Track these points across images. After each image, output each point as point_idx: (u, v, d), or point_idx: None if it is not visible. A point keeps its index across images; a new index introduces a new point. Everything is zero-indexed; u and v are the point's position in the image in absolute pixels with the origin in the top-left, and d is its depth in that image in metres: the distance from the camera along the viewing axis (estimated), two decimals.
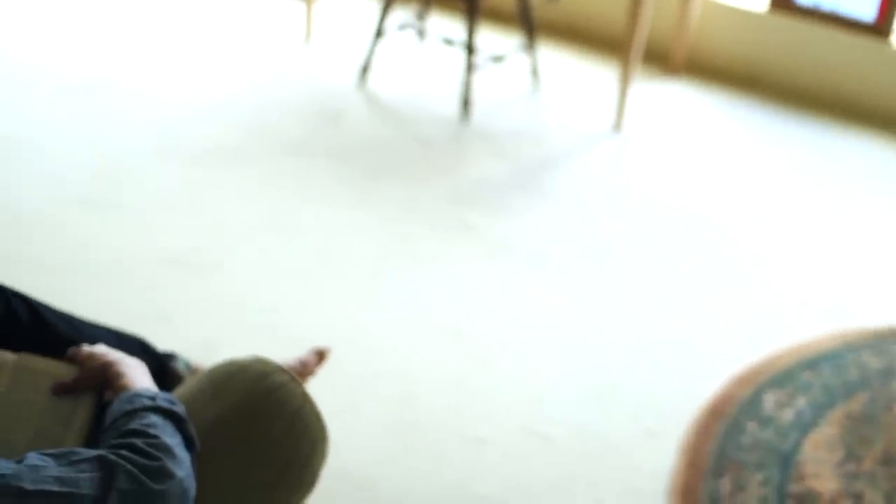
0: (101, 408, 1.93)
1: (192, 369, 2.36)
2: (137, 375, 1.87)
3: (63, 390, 1.92)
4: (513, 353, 3.47)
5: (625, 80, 4.98)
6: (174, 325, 3.41)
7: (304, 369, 2.54)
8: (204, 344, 3.31)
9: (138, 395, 1.78)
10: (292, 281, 3.72)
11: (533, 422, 3.18)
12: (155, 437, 1.67)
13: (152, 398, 1.77)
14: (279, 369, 1.90)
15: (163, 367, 2.28)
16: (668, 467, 3.05)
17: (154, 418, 1.72)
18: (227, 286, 3.67)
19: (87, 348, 1.95)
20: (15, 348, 1.98)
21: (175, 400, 1.79)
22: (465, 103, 4.99)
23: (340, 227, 4.07)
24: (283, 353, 3.28)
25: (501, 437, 3.12)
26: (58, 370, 1.95)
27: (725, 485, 2.98)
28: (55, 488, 1.54)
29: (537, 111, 5.24)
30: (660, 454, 3.11)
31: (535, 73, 5.40)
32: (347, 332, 3.47)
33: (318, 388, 2.71)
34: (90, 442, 1.90)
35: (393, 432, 3.10)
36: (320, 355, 2.58)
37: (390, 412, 3.17)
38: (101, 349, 1.94)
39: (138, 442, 1.65)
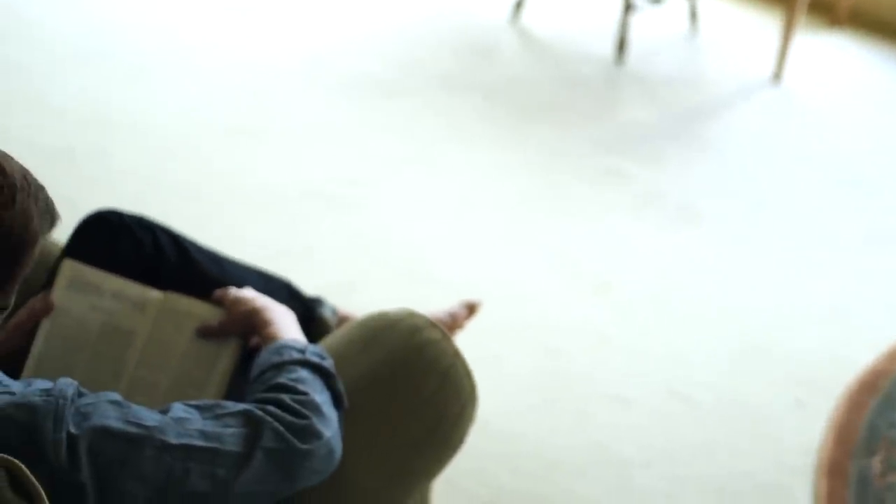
0: (246, 355, 1.87)
1: (338, 316, 2.30)
2: (286, 325, 1.81)
3: (208, 333, 1.87)
4: (660, 309, 3.36)
5: (788, 30, 4.78)
6: (316, 261, 3.37)
7: (454, 322, 2.45)
8: (345, 281, 3.26)
9: (287, 347, 1.71)
10: (437, 221, 3.65)
11: (678, 383, 3.08)
12: (304, 393, 1.61)
13: (301, 351, 1.70)
14: (431, 324, 1.83)
15: (309, 312, 2.22)
16: (816, 441, 2.93)
17: (303, 373, 1.65)
18: (371, 222, 3.61)
19: (234, 292, 1.89)
20: (160, 286, 1.93)
21: (325, 354, 1.72)
22: (621, 45, 4.84)
23: (487, 167, 3.98)
24: (425, 294, 3.24)
25: (645, 397, 3.03)
26: (203, 312, 1.90)
27: (876, 464, 2.85)
28: (199, 443, 1.49)
29: (694, 57, 5.07)
30: (808, 426, 2.98)
31: (693, 16, 5.22)
32: (491, 278, 3.39)
33: (459, 334, 2.64)
34: (232, 389, 1.85)
35: (534, 385, 3.02)
36: (470, 308, 2.49)
37: (533, 364, 3.09)
38: (250, 294, 1.89)
39: (286, 398, 1.59)
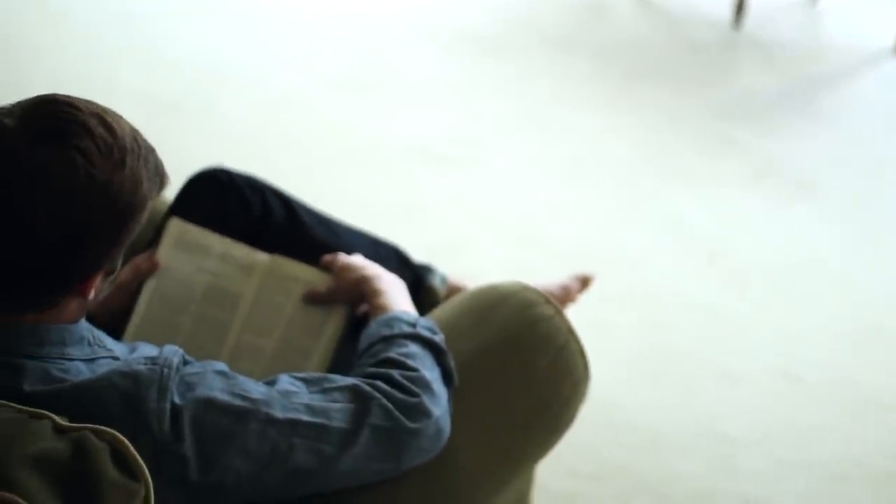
0: (353, 323, 1.82)
1: (448, 285, 2.24)
2: (397, 295, 1.75)
3: (315, 299, 1.82)
4: (772, 284, 3.26)
5: None
6: (420, 220, 3.32)
7: (566, 296, 2.38)
8: (449, 242, 3.21)
9: (397, 320, 1.65)
10: (544, 184, 3.58)
11: (788, 362, 2.99)
12: (414, 369, 1.55)
13: (412, 324, 1.64)
14: (545, 300, 1.76)
15: (419, 280, 2.16)
16: None
17: (413, 348, 1.60)
18: (477, 183, 3.55)
19: (344, 258, 1.84)
20: (267, 249, 1.88)
21: (436, 328, 1.66)
22: (739, 7, 4.72)
23: (597, 131, 3.89)
24: (530, 258, 3.19)
25: (753, 374, 2.94)
26: (311, 277, 1.85)
27: None
28: (305, 418, 1.44)
29: (815, 23, 4.93)
30: None
31: None
32: (598, 244, 3.32)
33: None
34: (338, 357, 1.80)
35: (639, 357, 2.95)
36: (583, 282, 2.42)
37: (637, 335, 3.02)
38: (360, 261, 1.83)
39: (395, 374, 1.54)
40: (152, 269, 1.82)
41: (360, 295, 1.79)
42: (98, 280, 1.36)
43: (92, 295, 1.37)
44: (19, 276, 1.29)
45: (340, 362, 1.78)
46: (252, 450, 1.40)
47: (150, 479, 1.15)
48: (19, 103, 1.31)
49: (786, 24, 4.85)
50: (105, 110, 1.32)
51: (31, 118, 1.27)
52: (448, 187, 3.51)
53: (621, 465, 2.65)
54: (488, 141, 3.77)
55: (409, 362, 1.56)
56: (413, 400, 1.52)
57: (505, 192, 3.52)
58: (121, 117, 1.33)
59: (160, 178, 1.37)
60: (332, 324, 1.82)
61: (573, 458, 2.60)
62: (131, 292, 1.82)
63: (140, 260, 1.83)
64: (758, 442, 2.75)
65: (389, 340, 1.61)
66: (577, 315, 2.16)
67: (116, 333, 1.78)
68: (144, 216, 1.35)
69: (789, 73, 4.46)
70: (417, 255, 2.38)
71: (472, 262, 3.12)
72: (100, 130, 1.28)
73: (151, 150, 1.35)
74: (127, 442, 1.15)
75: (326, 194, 2.93)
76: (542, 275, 2.96)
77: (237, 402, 1.40)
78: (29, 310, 1.33)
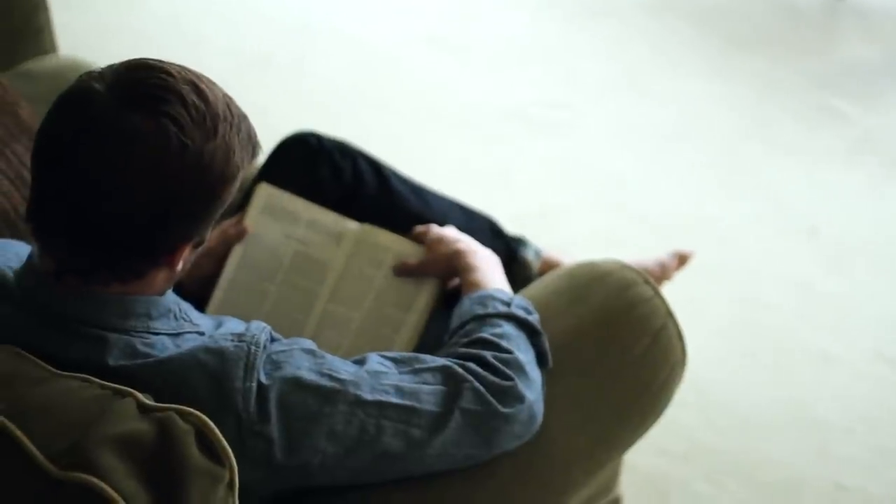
0: (445, 299, 1.77)
1: (541, 258, 2.18)
2: (491, 271, 1.69)
3: (406, 272, 1.77)
4: (872, 263, 3.16)
5: None
6: (512, 184, 3.26)
7: (663, 273, 2.32)
8: (540, 208, 3.16)
9: (492, 298, 1.59)
10: (638, 151, 3.50)
11: (887, 346, 2.89)
12: (508, 351, 1.49)
13: (507, 303, 1.58)
14: (644, 280, 1.69)
15: (512, 253, 2.11)
16: None
17: (508, 328, 1.54)
18: (570, 147, 3.47)
19: (436, 230, 1.78)
20: (357, 216, 1.83)
21: (531, 307, 1.60)
22: None
23: (694, 100, 3.80)
24: (622, 228, 3.13)
25: (850, 357, 2.85)
26: (402, 248, 1.80)
27: None
28: (394, 400, 1.38)
29: None
30: None
31: None
32: (692, 215, 3.24)
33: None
34: (427, 333, 1.74)
35: (732, 333, 2.87)
36: (681, 259, 2.35)
37: (731, 311, 2.94)
38: (453, 234, 1.77)
39: (488, 355, 1.48)
40: (240, 235, 1.78)
41: (452, 269, 1.73)
42: (187, 251, 1.31)
43: (180, 266, 1.32)
44: (107, 246, 1.24)
45: (430, 337, 1.73)
46: (339, 432, 1.35)
47: (234, 464, 1.11)
48: (110, 67, 1.26)
49: None
50: (199, 77, 1.26)
51: (123, 84, 1.22)
52: (541, 152, 3.44)
53: (710, 445, 2.58)
54: (583, 106, 3.70)
55: (503, 343, 1.50)
56: (506, 383, 1.46)
57: (599, 157, 3.45)
58: (214, 84, 1.28)
59: (252, 146, 1.32)
60: (422, 297, 1.77)
61: (662, 437, 2.52)
62: (219, 258, 1.79)
63: (228, 225, 1.80)
64: (852, 427, 2.66)
65: (483, 320, 1.55)
66: (669, 289, 2.10)
67: (203, 300, 1.75)
68: (236, 186, 1.30)
69: (893, 43, 4.33)
70: (508, 220, 2.33)
71: (562, 229, 3.06)
72: (192, 98, 1.23)
73: (244, 118, 1.30)
74: (213, 425, 1.10)
75: (415, 156, 2.88)
76: (632, 244, 2.91)
77: (325, 381, 1.35)
78: (115, 280, 1.28)
